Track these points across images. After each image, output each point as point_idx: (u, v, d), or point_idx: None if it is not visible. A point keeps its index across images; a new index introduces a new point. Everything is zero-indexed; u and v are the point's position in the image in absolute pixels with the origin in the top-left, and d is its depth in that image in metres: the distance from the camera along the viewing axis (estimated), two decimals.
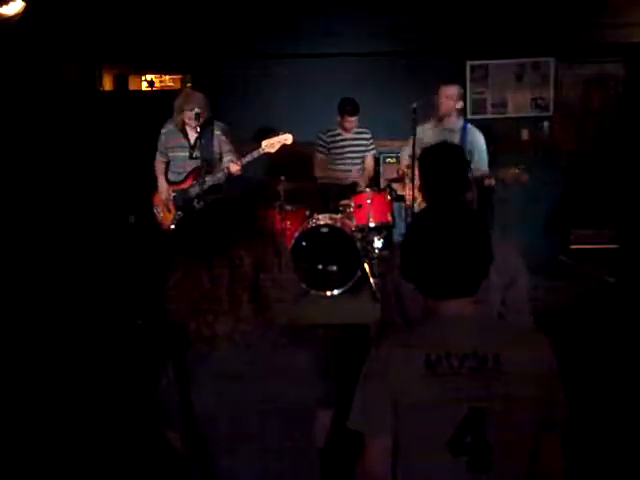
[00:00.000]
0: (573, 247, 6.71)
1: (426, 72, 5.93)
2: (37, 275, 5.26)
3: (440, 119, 4.52)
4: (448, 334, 1.50)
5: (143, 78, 7.76)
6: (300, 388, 1.51)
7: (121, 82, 7.40)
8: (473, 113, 6.84)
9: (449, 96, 4.64)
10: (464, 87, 6.74)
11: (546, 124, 6.84)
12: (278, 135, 4.84)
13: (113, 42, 6.60)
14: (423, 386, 1.45)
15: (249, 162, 4.80)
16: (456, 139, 4.56)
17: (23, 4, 5.32)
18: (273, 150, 4.84)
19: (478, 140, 4.64)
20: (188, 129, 4.80)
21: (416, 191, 4.61)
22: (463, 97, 4.70)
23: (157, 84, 7.84)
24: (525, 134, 6.86)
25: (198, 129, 4.64)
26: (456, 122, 4.71)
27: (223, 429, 1.50)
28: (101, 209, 6.61)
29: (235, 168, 4.69)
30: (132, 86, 7.62)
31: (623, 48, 6.63)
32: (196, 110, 4.58)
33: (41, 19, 5.99)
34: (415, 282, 1.58)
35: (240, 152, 4.86)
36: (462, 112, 4.77)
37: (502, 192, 6.57)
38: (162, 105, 6.14)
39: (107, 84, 7.27)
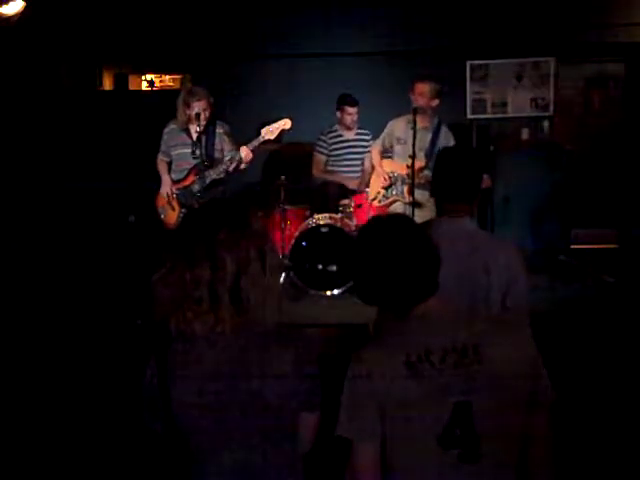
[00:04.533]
0: (573, 247, 6.70)
1: (426, 72, 5.92)
2: (38, 275, 5.25)
3: (414, 115, 4.44)
4: (425, 332, 1.51)
5: (143, 78, 7.77)
6: (283, 390, 1.50)
7: (121, 82, 7.40)
8: (473, 113, 6.84)
9: (422, 93, 4.59)
10: (464, 87, 6.78)
11: (546, 124, 6.84)
12: (277, 121, 4.86)
13: (113, 42, 6.59)
14: (407, 387, 1.45)
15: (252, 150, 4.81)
16: (428, 138, 4.58)
17: (23, 4, 5.32)
18: (273, 136, 4.86)
19: (449, 142, 4.63)
20: (191, 127, 4.78)
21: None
22: (439, 95, 4.62)
23: (157, 84, 7.86)
24: (525, 134, 6.86)
25: (199, 128, 4.65)
26: (430, 120, 4.69)
27: (205, 427, 1.50)
28: (101, 208, 6.60)
29: (247, 152, 4.72)
30: (132, 86, 7.63)
31: (623, 48, 6.62)
32: (196, 110, 4.62)
33: (41, 19, 5.99)
34: (378, 304, 1.62)
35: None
36: (437, 110, 4.71)
37: (502, 192, 6.59)
38: (162, 105, 6.14)
39: (107, 84, 7.27)
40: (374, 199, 4.98)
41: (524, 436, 1.53)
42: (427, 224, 2.29)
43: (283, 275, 5.16)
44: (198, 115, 4.61)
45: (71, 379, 3.70)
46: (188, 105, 4.71)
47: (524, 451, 1.54)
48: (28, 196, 6.01)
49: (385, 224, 1.65)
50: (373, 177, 5.10)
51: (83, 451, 3.08)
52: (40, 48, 6.25)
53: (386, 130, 4.91)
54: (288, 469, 1.57)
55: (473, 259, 2.10)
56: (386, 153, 4.94)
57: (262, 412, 1.50)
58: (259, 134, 4.86)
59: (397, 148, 4.77)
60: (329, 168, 5.77)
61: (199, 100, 4.69)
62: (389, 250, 1.56)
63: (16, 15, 5.35)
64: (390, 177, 4.82)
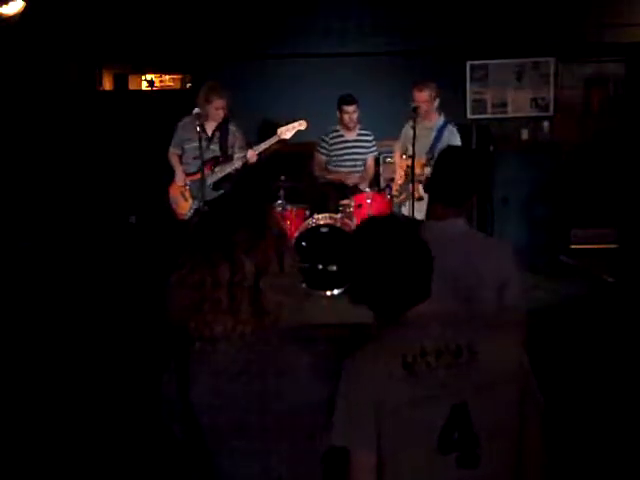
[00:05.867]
0: (573, 247, 6.71)
1: (426, 72, 5.94)
2: (39, 275, 5.26)
3: (414, 114, 4.70)
4: (419, 333, 1.50)
5: (143, 78, 7.77)
6: (302, 390, 1.50)
7: (121, 82, 7.40)
8: (473, 113, 6.84)
9: (419, 100, 4.80)
10: (464, 87, 6.79)
11: (546, 124, 6.84)
12: (293, 122, 5.08)
13: (113, 42, 6.60)
14: (404, 389, 1.44)
15: (265, 149, 5.04)
16: (431, 137, 4.74)
17: (23, 4, 5.32)
18: (288, 136, 5.08)
19: (452, 140, 4.74)
20: (207, 122, 4.94)
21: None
22: (439, 94, 4.87)
23: (157, 84, 7.86)
24: (525, 134, 6.87)
25: (198, 126, 4.72)
26: (435, 120, 4.87)
27: (223, 428, 1.50)
28: (102, 209, 6.61)
29: (251, 154, 4.93)
30: (132, 86, 7.63)
31: (623, 48, 6.63)
32: (195, 111, 4.70)
33: (41, 19, 5.99)
34: (371, 306, 1.60)
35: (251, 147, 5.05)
36: (439, 110, 4.92)
37: (502, 191, 6.59)
38: (162, 105, 6.14)
39: (107, 84, 7.27)
40: (395, 195, 5.24)
41: (519, 437, 1.52)
42: (419, 226, 2.29)
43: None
44: (199, 115, 4.69)
45: (73, 379, 3.71)
46: (209, 101, 4.84)
47: (519, 454, 1.53)
48: (28, 195, 6.01)
49: (381, 226, 1.64)
50: (396, 176, 5.32)
51: (100, 451, 3.07)
52: (40, 48, 6.25)
53: (402, 133, 5.14)
54: (306, 470, 1.56)
55: (467, 260, 2.10)
56: (405, 153, 5.14)
57: (280, 412, 1.49)
58: (274, 133, 5.06)
59: (409, 148, 4.93)
60: (330, 167, 5.78)
61: (220, 98, 4.85)
62: (384, 253, 1.55)
63: (16, 15, 5.36)
64: (407, 173, 5.02)
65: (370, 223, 1.70)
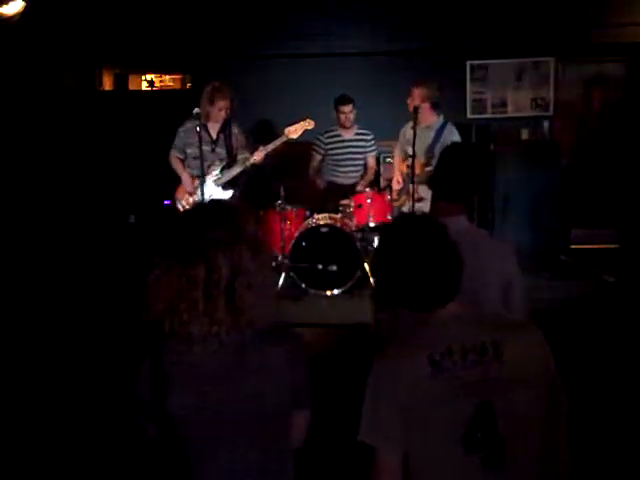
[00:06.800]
0: (573, 247, 6.70)
1: (426, 72, 5.93)
2: (38, 275, 5.25)
3: (415, 115, 4.60)
4: (446, 332, 1.52)
5: (143, 78, 7.76)
6: (277, 388, 1.51)
7: (121, 82, 7.40)
8: (473, 113, 6.84)
9: (412, 97, 4.75)
10: (464, 87, 6.79)
11: (546, 124, 6.84)
12: (300, 121, 5.04)
13: (113, 42, 6.60)
14: (431, 386, 1.45)
15: (273, 149, 4.97)
16: (430, 137, 4.71)
17: (23, 4, 5.32)
18: (296, 136, 5.02)
19: (452, 139, 4.71)
20: (210, 123, 4.88)
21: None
22: (434, 95, 4.77)
23: (157, 84, 7.85)
24: (525, 134, 6.86)
25: (199, 125, 4.67)
26: (433, 121, 4.82)
27: (197, 427, 1.50)
28: (101, 208, 6.61)
29: (259, 155, 4.86)
30: (132, 86, 7.62)
31: (623, 48, 6.62)
32: (196, 110, 4.61)
33: (41, 19, 5.99)
34: (401, 303, 1.61)
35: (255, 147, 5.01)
36: (438, 111, 4.85)
37: (502, 191, 6.58)
38: (162, 105, 6.13)
39: (107, 84, 7.27)
40: (395, 200, 5.19)
41: (545, 439, 1.52)
42: None
43: (283, 275, 5.16)
44: (198, 114, 4.61)
45: (71, 379, 3.70)
46: (212, 102, 4.78)
47: (545, 456, 1.53)
48: (28, 196, 6.01)
49: (413, 224, 1.65)
50: (394, 180, 5.28)
51: (80, 451, 3.07)
52: (40, 48, 6.25)
53: (400, 135, 5.12)
54: (281, 466, 1.57)
55: (471, 257, 2.10)
56: (405, 156, 5.11)
57: (256, 410, 1.50)
58: (274, 133, 5.07)
59: (408, 149, 4.91)
60: (328, 168, 5.78)
61: (224, 99, 4.79)
62: (418, 251, 1.56)
63: (16, 15, 5.35)
64: (404, 179, 5.00)
65: (402, 221, 1.71)
